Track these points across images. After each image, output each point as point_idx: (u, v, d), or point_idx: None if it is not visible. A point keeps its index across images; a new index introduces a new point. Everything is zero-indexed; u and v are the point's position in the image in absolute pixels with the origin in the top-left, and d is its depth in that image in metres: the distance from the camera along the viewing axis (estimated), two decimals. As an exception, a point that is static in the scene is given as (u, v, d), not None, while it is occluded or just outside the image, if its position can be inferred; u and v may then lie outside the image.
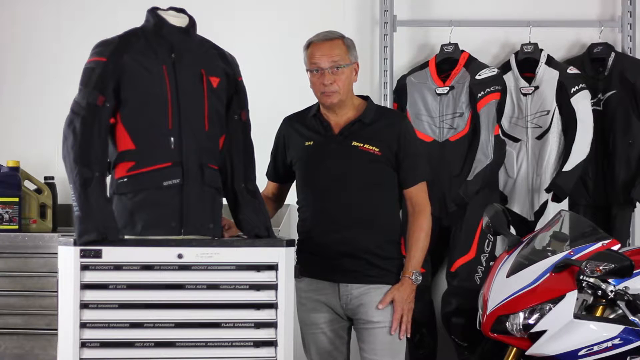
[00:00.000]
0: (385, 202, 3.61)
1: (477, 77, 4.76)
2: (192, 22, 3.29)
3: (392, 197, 3.64)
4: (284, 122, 3.76)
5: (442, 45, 4.93)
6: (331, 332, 3.66)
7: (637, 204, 4.93)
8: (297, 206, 3.72)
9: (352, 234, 3.55)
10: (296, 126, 3.70)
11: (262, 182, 3.73)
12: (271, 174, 3.82)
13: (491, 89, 4.73)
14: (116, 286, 3.00)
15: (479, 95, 4.73)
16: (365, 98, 3.71)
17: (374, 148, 3.57)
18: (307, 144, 3.65)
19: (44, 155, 4.85)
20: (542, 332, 3.63)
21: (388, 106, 4.89)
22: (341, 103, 3.60)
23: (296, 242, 3.62)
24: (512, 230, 4.25)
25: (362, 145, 3.58)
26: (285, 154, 3.72)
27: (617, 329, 3.62)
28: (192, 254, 3.02)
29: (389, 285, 3.58)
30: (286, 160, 3.72)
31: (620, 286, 3.70)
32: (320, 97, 3.60)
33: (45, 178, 4.73)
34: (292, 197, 3.84)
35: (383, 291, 3.57)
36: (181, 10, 3.28)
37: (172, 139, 3.17)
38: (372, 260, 3.56)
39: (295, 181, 3.74)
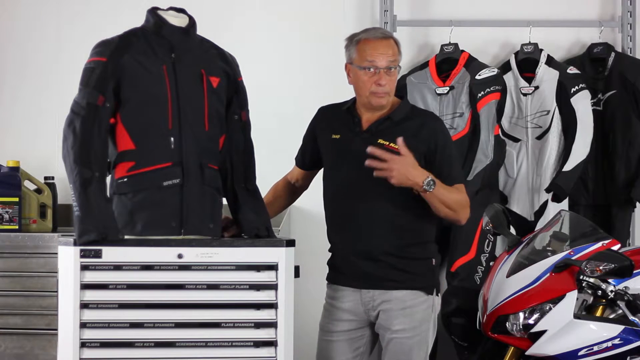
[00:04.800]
0: (409, 203, 3.43)
1: (477, 77, 4.76)
2: (192, 22, 3.28)
3: (418, 199, 3.41)
4: (319, 111, 3.66)
5: (442, 45, 4.93)
6: (346, 341, 3.54)
7: (637, 204, 4.93)
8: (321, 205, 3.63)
9: (369, 235, 3.44)
10: (328, 117, 3.60)
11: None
12: (298, 159, 3.74)
13: (491, 89, 4.74)
14: (116, 286, 3.00)
15: (479, 95, 4.73)
16: (401, 97, 3.60)
17: None
18: (334, 137, 3.54)
19: (44, 155, 4.84)
20: (542, 332, 3.62)
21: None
22: (387, 104, 3.49)
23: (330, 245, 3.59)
24: (512, 230, 4.24)
25: (387, 143, 3.41)
26: (314, 143, 3.63)
27: (617, 329, 3.62)
28: (192, 254, 3.02)
29: (413, 291, 3.46)
30: (314, 149, 3.64)
31: (620, 286, 3.70)
32: (370, 97, 3.44)
33: (45, 178, 4.73)
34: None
35: (406, 298, 3.45)
36: (181, 10, 3.28)
37: (172, 139, 3.16)
38: (393, 263, 3.44)
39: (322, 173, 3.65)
